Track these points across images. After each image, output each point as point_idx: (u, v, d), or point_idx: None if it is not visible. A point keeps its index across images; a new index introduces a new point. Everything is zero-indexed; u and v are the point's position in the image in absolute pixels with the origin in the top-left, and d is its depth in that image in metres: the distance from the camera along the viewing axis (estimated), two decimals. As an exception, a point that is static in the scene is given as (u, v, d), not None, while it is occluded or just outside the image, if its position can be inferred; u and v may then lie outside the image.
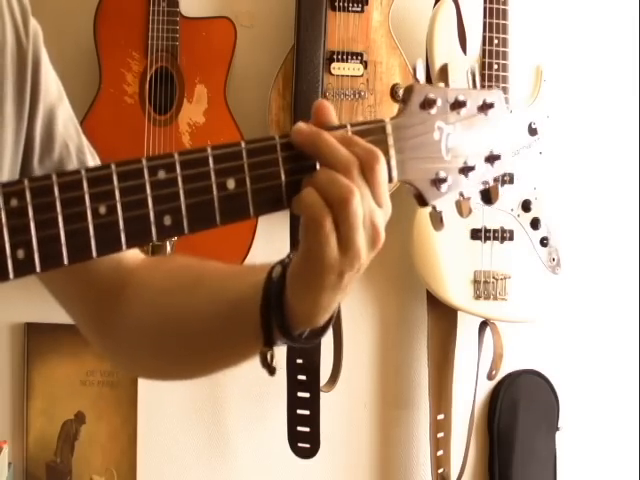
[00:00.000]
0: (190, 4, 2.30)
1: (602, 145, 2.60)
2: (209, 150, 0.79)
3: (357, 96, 2.33)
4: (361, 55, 2.33)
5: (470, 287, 2.35)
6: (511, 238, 2.35)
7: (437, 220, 0.87)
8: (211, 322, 0.93)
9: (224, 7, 2.38)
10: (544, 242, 2.37)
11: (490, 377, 2.47)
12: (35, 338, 2.33)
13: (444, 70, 0.85)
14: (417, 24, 2.39)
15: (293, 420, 2.39)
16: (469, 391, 2.47)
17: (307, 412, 2.39)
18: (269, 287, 0.86)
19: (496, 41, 2.33)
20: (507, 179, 2.26)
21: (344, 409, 2.51)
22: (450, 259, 2.32)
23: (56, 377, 2.34)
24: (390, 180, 0.84)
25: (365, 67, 2.33)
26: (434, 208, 0.86)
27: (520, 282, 2.37)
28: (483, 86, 2.33)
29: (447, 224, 0.86)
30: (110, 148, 2.21)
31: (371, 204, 0.80)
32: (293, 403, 2.39)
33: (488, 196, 0.89)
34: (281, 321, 0.85)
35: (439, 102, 0.87)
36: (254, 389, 2.45)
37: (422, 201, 0.87)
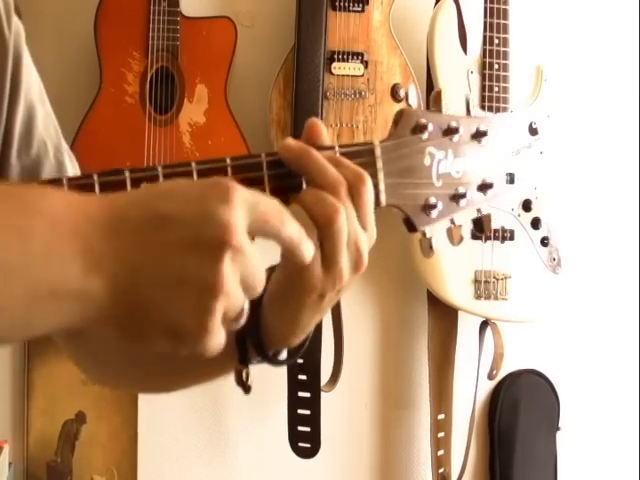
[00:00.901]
0: (191, 4, 2.30)
1: (602, 145, 2.61)
2: (193, 164, 0.77)
3: (358, 96, 2.33)
4: (362, 55, 2.33)
5: (471, 287, 2.35)
6: (512, 238, 2.35)
7: (427, 246, 0.86)
8: None
9: (225, 7, 2.38)
10: (545, 242, 2.37)
11: (491, 377, 2.47)
12: (35, 338, 2.33)
13: (438, 96, 0.84)
14: (418, 24, 2.39)
15: (294, 420, 2.39)
16: (470, 391, 2.47)
17: (308, 412, 2.39)
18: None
19: (497, 41, 2.33)
20: (507, 179, 2.26)
21: (345, 409, 2.51)
22: (451, 259, 2.32)
23: (56, 377, 2.34)
24: (378, 204, 0.83)
25: (366, 67, 2.33)
26: (424, 234, 0.85)
27: (521, 282, 2.37)
28: (483, 87, 2.33)
29: (436, 250, 0.85)
30: (110, 148, 2.22)
31: (356, 226, 0.79)
32: (294, 403, 2.39)
33: (480, 225, 0.89)
34: (256, 339, 0.84)
35: (430, 127, 0.85)
36: (255, 389, 2.44)
37: (411, 227, 0.86)
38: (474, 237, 2.33)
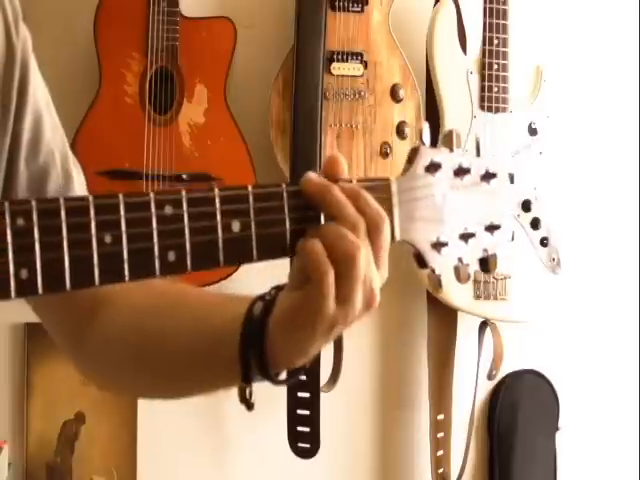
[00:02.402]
0: (190, 4, 2.30)
1: (602, 145, 2.61)
2: (216, 190, 0.80)
3: (357, 96, 2.33)
4: (361, 55, 2.33)
5: (470, 287, 2.35)
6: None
7: (435, 283, 0.88)
8: (190, 346, 0.92)
9: (224, 7, 2.38)
10: (544, 242, 2.37)
11: (490, 377, 2.47)
12: (35, 338, 2.33)
13: (449, 135, 0.86)
14: (417, 24, 2.39)
15: (293, 420, 2.39)
16: (469, 391, 2.47)
17: (307, 412, 2.39)
18: (249, 324, 0.85)
19: (496, 41, 2.33)
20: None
21: (344, 409, 2.51)
22: (450, 259, 2.32)
23: (56, 377, 2.34)
24: (392, 239, 0.86)
25: (365, 67, 2.33)
26: (433, 271, 0.88)
27: (520, 282, 2.37)
28: (483, 87, 2.33)
29: (445, 287, 0.88)
30: (110, 148, 2.22)
31: (372, 265, 0.83)
32: (293, 403, 2.39)
33: (487, 265, 0.91)
34: (259, 360, 0.85)
35: (443, 167, 0.88)
36: (254, 389, 2.44)
37: (422, 262, 0.89)
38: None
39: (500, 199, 0.91)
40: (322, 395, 2.39)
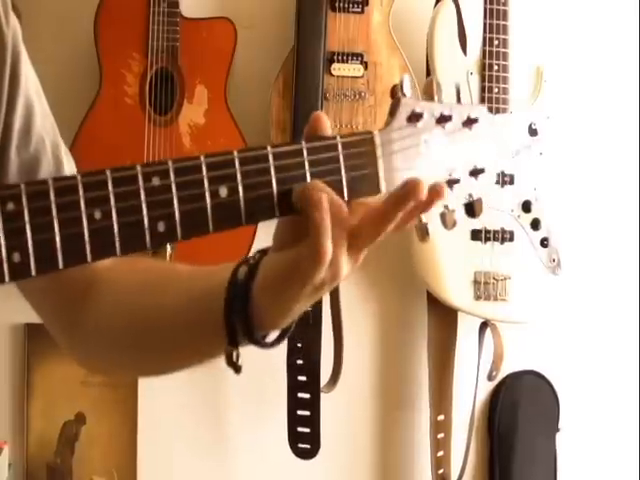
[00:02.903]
0: (190, 5, 2.30)
1: (602, 146, 2.60)
2: (202, 158, 0.81)
3: (357, 97, 2.33)
4: (361, 56, 2.33)
5: (470, 288, 2.35)
6: (511, 239, 2.35)
7: (423, 232, 0.88)
8: (176, 318, 0.93)
9: (224, 8, 2.38)
10: (544, 243, 2.36)
11: (490, 378, 2.47)
12: (35, 338, 2.33)
13: (430, 85, 0.86)
14: (417, 25, 2.39)
15: (293, 421, 2.39)
16: (469, 392, 2.47)
17: (307, 413, 2.39)
18: (233, 288, 0.86)
19: (496, 42, 2.33)
20: (507, 180, 2.26)
21: (344, 410, 2.51)
22: (450, 260, 2.32)
23: (56, 377, 2.34)
24: (378, 192, 0.86)
25: (365, 68, 2.33)
26: (420, 220, 0.87)
27: (520, 283, 2.36)
28: (483, 88, 2.33)
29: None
30: (110, 149, 2.22)
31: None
32: (293, 404, 2.39)
33: (472, 209, 0.91)
34: (244, 323, 0.86)
35: (425, 116, 0.89)
36: (254, 390, 2.45)
37: None
38: (474, 238, 2.33)
39: (483, 143, 0.92)
40: (322, 396, 2.39)
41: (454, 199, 0.90)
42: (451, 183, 0.89)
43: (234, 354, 0.86)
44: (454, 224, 0.89)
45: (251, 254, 0.88)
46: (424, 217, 0.87)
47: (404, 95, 0.89)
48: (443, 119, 0.89)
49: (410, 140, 0.88)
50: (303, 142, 0.84)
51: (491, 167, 0.93)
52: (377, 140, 0.87)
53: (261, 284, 0.85)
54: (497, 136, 0.93)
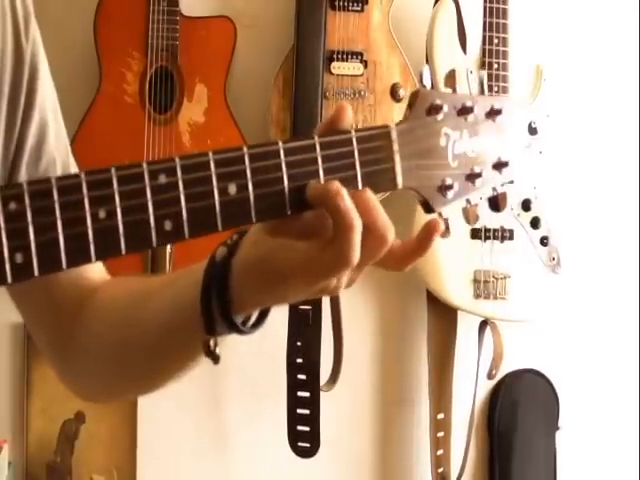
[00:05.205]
0: (190, 3, 2.30)
1: (602, 144, 2.60)
2: (210, 154, 0.78)
3: (357, 95, 2.33)
4: (361, 54, 2.33)
5: (470, 286, 2.35)
6: (511, 237, 2.35)
7: (444, 227, 0.85)
8: (160, 328, 0.91)
9: (224, 6, 2.38)
10: (544, 241, 2.37)
11: (490, 376, 2.47)
12: (35, 338, 2.33)
13: (452, 76, 0.84)
14: (417, 23, 2.39)
15: (293, 419, 2.39)
16: (469, 390, 2.47)
17: (307, 411, 2.39)
18: (212, 268, 0.84)
19: (496, 40, 2.33)
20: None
21: (344, 408, 2.51)
22: (450, 258, 2.32)
23: (56, 377, 2.34)
24: (395, 187, 0.83)
25: (365, 66, 2.33)
26: (440, 215, 0.85)
27: (520, 281, 2.37)
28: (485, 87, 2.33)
29: (453, 231, 0.86)
30: (110, 147, 2.22)
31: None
32: (293, 402, 2.39)
33: (496, 203, 0.90)
34: (222, 303, 0.83)
35: (445, 108, 0.85)
36: (254, 388, 2.45)
37: (428, 208, 0.85)
38: (474, 237, 2.33)
39: (507, 135, 0.88)
40: (322, 394, 2.39)
41: (477, 193, 0.86)
42: (473, 177, 0.86)
43: (211, 342, 0.84)
44: (477, 219, 0.87)
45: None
46: (444, 213, 0.85)
47: (424, 86, 0.85)
48: (465, 111, 0.86)
49: (429, 133, 0.84)
50: (316, 137, 0.81)
51: (516, 160, 0.89)
52: (394, 134, 0.83)
53: (243, 259, 0.82)
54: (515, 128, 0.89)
